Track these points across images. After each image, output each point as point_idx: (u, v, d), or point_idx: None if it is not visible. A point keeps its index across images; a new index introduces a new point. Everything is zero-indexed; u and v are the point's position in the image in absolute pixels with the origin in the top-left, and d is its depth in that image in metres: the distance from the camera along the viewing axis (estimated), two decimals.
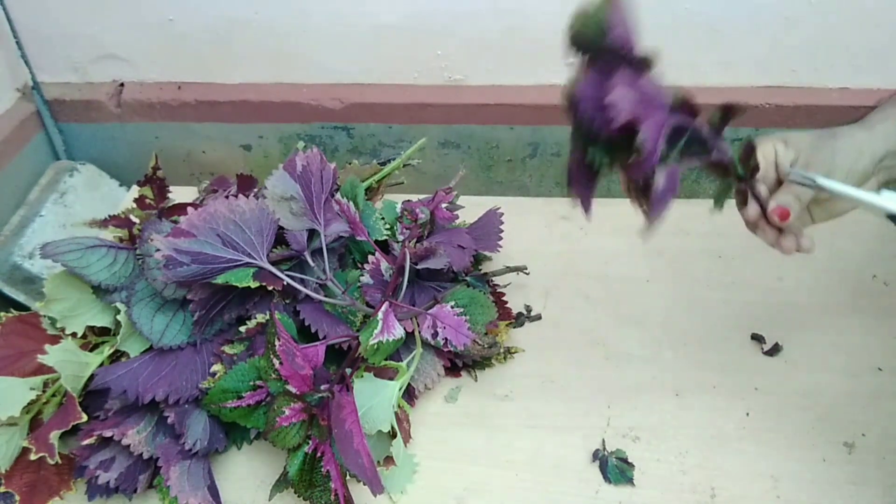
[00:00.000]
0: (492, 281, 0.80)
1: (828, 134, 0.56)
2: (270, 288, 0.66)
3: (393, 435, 0.63)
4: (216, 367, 0.65)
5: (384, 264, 0.73)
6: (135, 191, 0.84)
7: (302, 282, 0.69)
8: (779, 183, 0.56)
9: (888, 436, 0.66)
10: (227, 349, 0.67)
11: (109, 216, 0.76)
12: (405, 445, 0.65)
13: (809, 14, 0.87)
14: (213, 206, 0.65)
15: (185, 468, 0.62)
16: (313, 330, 0.67)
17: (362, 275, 0.73)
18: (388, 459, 0.63)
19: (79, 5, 0.95)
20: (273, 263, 0.67)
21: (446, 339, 0.69)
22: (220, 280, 0.64)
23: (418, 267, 0.73)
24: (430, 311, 0.70)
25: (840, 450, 0.65)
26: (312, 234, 0.72)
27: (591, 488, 0.63)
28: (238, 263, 0.65)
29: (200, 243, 0.64)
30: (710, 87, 0.94)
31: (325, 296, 0.70)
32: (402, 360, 0.68)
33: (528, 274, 0.83)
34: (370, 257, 0.73)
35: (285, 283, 0.66)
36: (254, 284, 0.64)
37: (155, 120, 1.04)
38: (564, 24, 0.44)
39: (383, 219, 0.78)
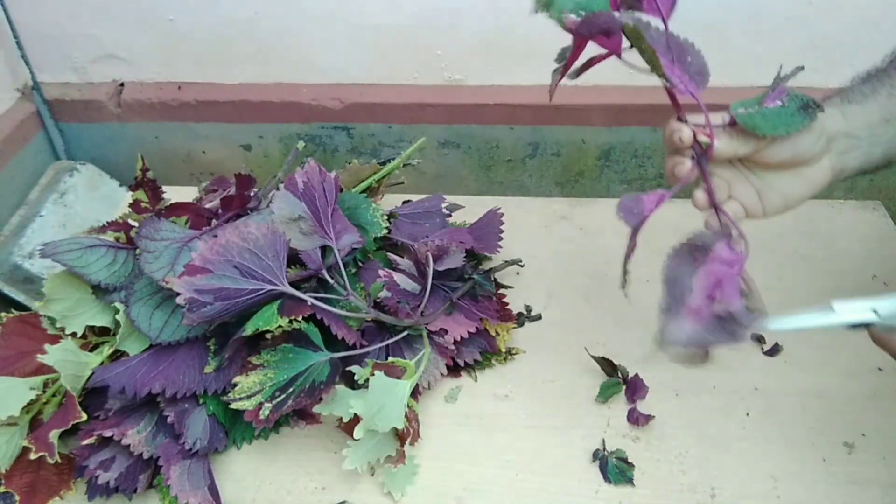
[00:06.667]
0: (497, 279, 0.80)
1: None
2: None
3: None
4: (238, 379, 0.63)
5: (398, 276, 0.72)
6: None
7: (326, 301, 0.67)
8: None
9: (888, 436, 0.66)
10: (254, 360, 0.64)
11: (107, 223, 0.76)
12: (413, 444, 0.65)
13: (809, 14, 0.87)
14: (223, 238, 0.62)
15: (185, 468, 0.62)
16: (339, 337, 0.65)
17: (381, 288, 0.71)
18: (392, 458, 0.63)
19: (79, 5, 0.95)
20: (292, 285, 0.65)
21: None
22: (248, 330, 0.62)
23: (438, 269, 0.72)
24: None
25: (840, 450, 0.65)
26: (325, 249, 0.71)
27: (591, 488, 0.63)
28: (261, 292, 0.63)
29: (219, 278, 0.61)
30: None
31: (349, 311, 0.69)
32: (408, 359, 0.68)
33: (522, 266, 0.83)
34: (381, 272, 0.72)
35: (309, 304, 0.64)
36: (284, 323, 0.62)
37: (155, 120, 1.04)
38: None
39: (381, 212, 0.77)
